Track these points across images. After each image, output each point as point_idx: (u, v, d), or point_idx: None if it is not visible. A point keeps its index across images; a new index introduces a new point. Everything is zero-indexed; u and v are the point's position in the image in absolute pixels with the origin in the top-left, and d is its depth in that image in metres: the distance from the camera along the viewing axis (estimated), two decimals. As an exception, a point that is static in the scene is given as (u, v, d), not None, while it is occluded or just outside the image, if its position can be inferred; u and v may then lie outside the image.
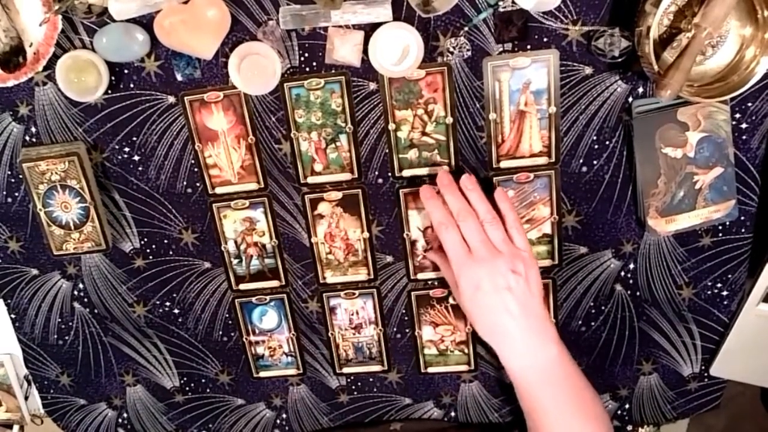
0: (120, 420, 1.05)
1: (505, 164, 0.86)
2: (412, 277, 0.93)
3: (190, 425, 1.05)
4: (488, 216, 0.81)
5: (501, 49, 0.81)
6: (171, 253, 0.93)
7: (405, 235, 0.90)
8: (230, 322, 0.97)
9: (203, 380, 1.02)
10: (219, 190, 0.90)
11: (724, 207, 0.85)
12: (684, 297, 0.91)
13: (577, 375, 0.83)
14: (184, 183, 0.89)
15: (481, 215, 0.81)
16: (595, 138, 0.84)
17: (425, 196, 0.84)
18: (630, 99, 0.82)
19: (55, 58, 0.81)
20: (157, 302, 0.97)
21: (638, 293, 0.92)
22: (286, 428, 1.04)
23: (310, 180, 0.88)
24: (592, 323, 0.94)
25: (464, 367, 0.98)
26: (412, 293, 0.94)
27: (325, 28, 0.80)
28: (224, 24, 0.79)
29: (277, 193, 0.89)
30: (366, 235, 0.91)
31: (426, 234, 0.90)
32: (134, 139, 0.87)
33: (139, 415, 1.05)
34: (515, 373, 0.82)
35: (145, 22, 0.80)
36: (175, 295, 0.96)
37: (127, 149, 0.88)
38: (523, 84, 0.82)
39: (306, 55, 0.82)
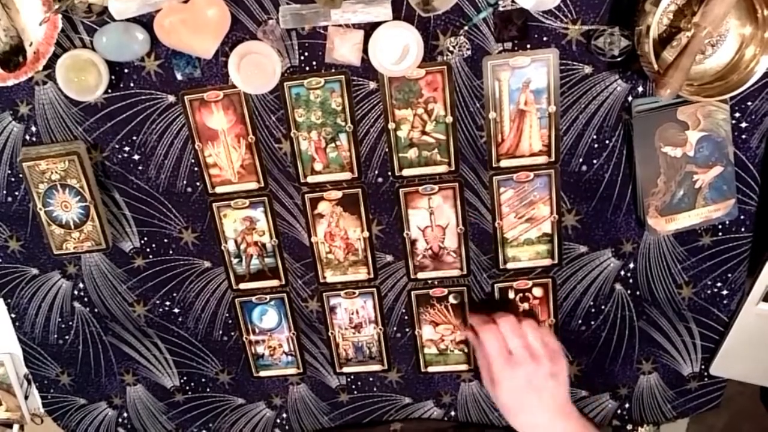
0: (120, 419, 1.05)
1: (504, 163, 0.86)
2: (412, 277, 0.93)
3: (190, 425, 1.05)
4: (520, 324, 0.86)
5: (501, 49, 0.81)
6: (171, 252, 0.93)
7: (405, 235, 0.90)
8: (230, 321, 0.97)
9: (203, 380, 1.02)
10: (219, 190, 0.90)
11: (723, 206, 0.85)
12: (684, 296, 0.91)
13: None
14: (184, 182, 0.89)
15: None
16: (594, 137, 0.84)
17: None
18: (630, 98, 0.82)
19: (55, 57, 0.81)
20: (157, 302, 0.97)
21: (638, 292, 0.92)
22: (286, 428, 1.04)
23: (310, 179, 0.88)
24: (592, 322, 0.94)
25: (464, 367, 0.98)
26: (412, 292, 0.94)
27: (325, 27, 0.80)
28: (224, 23, 0.79)
29: (277, 192, 0.89)
30: (366, 234, 0.91)
31: (425, 234, 0.90)
32: (134, 138, 0.87)
33: (139, 415, 1.05)
34: None
35: (145, 22, 0.80)
36: (175, 294, 0.96)
37: (127, 148, 0.88)
38: (523, 83, 0.82)
39: (306, 54, 0.82)
